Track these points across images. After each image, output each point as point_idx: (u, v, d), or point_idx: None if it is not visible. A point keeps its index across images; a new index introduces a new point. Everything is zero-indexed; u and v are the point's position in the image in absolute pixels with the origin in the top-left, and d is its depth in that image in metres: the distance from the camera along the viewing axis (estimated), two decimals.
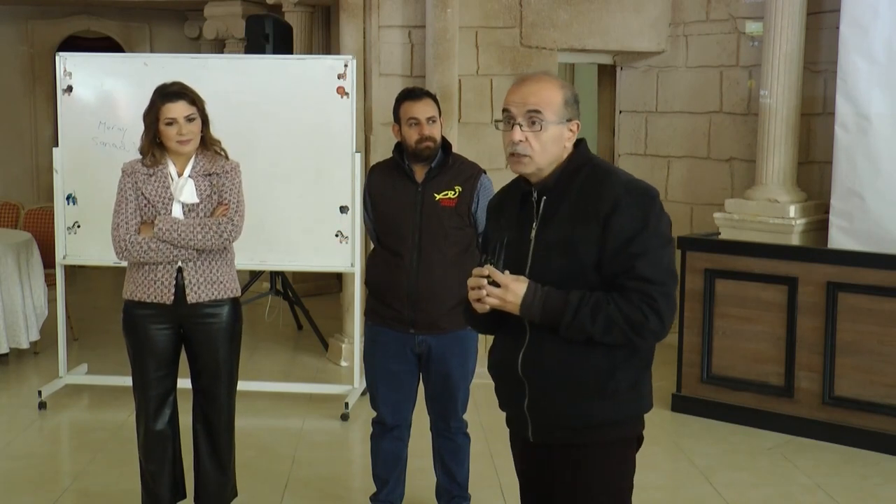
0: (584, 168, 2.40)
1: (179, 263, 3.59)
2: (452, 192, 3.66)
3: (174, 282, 3.60)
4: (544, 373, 2.39)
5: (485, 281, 2.36)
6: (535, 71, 4.35)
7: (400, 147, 3.71)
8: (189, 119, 3.55)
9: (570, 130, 2.39)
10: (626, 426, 2.44)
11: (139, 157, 3.65)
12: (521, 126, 2.36)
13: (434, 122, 3.64)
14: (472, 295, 2.38)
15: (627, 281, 2.27)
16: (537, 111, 2.34)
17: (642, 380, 2.43)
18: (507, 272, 2.35)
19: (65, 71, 5.58)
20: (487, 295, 2.35)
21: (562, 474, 2.47)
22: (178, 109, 3.53)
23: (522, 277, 2.35)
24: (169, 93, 3.55)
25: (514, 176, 2.50)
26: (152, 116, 3.55)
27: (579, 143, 2.45)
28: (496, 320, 2.44)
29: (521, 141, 2.36)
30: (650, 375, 2.48)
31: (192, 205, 3.59)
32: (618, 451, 2.45)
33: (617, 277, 2.28)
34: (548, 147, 2.37)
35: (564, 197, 2.38)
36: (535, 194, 2.42)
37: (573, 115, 2.39)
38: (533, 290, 2.32)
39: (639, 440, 2.52)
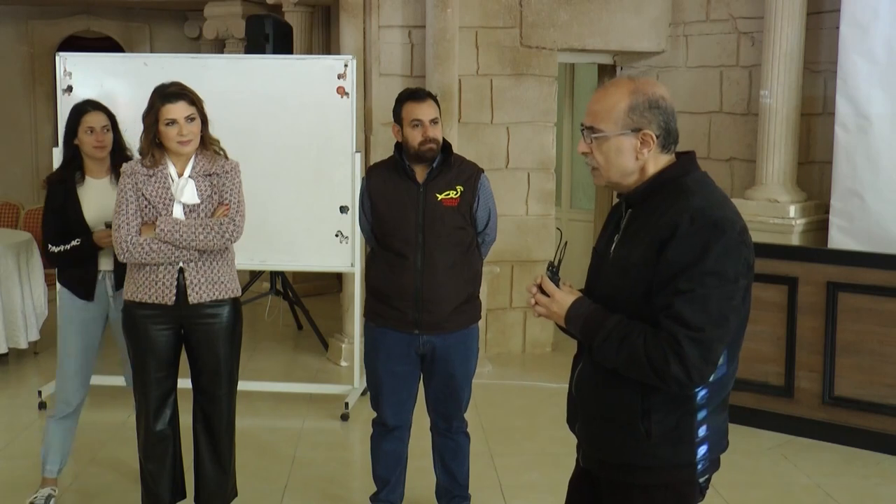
0: (669, 184, 2.18)
1: (181, 264, 3.59)
2: (454, 192, 3.66)
3: (175, 282, 3.59)
4: (587, 396, 2.30)
5: (535, 289, 2.28)
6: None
7: (400, 147, 3.71)
8: (189, 119, 3.54)
9: (643, 140, 2.17)
10: (664, 473, 2.22)
11: (139, 157, 3.65)
12: (583, 137, 2.25)
13: (436, 123, 3.64)
14: (529, 300, 2.33)
15: (663, 318, 2.07)
16: (592, 126, 2.21)
17: (689, 425, 2.19)
18: (563, 282, 2.27)
19: (65, 71, 5.58)
20: (536, 304, 2.28)
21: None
22: (178, 110, 3.52)
23: (574, 290, 2.26)
24: (169, 93, 3.54)
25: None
26: (152, 117, 3.54)
27: (682, 156, 2.25)
28: None
29: (585, 153, 2.25)
30: (710, 421, 2.23)
31: (194, 205, 3.59)
32: (658, 495, 2.24)
33: (658, 312, 2.09)
34: (612, 159, 2.20)
35: (643, 214, 2.20)
36: (623, 205, 2.28)
37: (643, 124, 2.16)
38: (579, 305, 2.22)
39: (701, 490, 2.28)
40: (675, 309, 2.06)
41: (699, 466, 2.24)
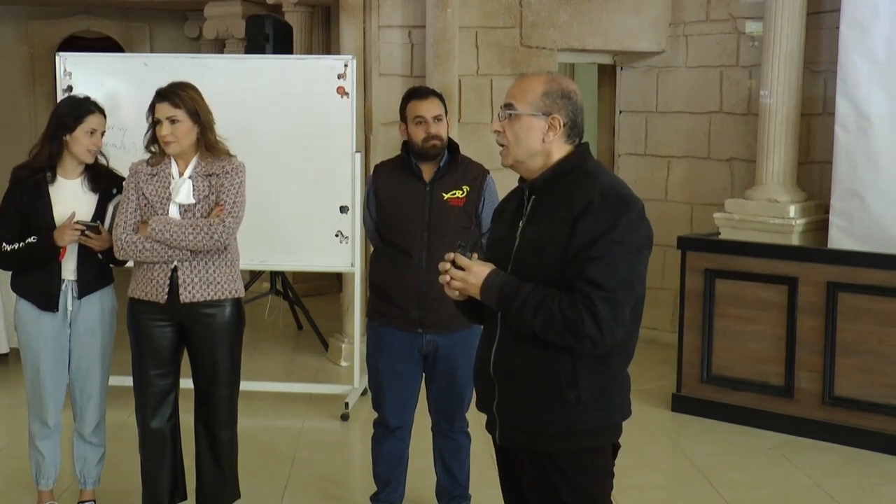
0: (574, 170, 2.40)
1: (175, 263, 3.60)
2: (460, 192, 3.67)
3: (168, 281, 3.60)
4: (510, 373, 2.40)
5: (449, 265, 2.41)
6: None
7: (407, 146, 3.72)
8: (171, 121, 3.54)
9: (550, 124, 2.38)
10: (591, 436, 2.39)
11: (147, 156, 3.68)
12: (499, 117, 2.44)
13: (440, 120, 3.65)
14: (441, 279, 2.44)
15: (577, 282, 2.25)
16: (509, 102, 2.41)
17: (612, 389, 2.39)
18: (474, 255, 2.42)
19: (65, 71, 5.58)
20: (452, 279, 2.40)
21: (531, 480, 2.45)
22: (161, 110, 3.55)
23: (488, 263, 2.40)
24: (158, 92, 3.60)
25: (516, 177, 2.53)
26: (149, 114, 3.60)
27: (579, 146, 2.45)
28: (478, 308, 2.49)
29: (498, 131, 2.44)
30: (625, 384, 2.44)
31: (189, 205, 3.60)
32: (587, 459, 2.40)
33: (572, 279, 2.27)
34: (521, 138, 2.39)
35: (550, 197, 2.39)
36: (526, 192, 2.45)
37: (553, 109, 2.38)
38: (494, 275, 2.36)
39: (614, 448, 2.48)
40: (589, 273, 2.24)
41: (619, 428, 2.45)
